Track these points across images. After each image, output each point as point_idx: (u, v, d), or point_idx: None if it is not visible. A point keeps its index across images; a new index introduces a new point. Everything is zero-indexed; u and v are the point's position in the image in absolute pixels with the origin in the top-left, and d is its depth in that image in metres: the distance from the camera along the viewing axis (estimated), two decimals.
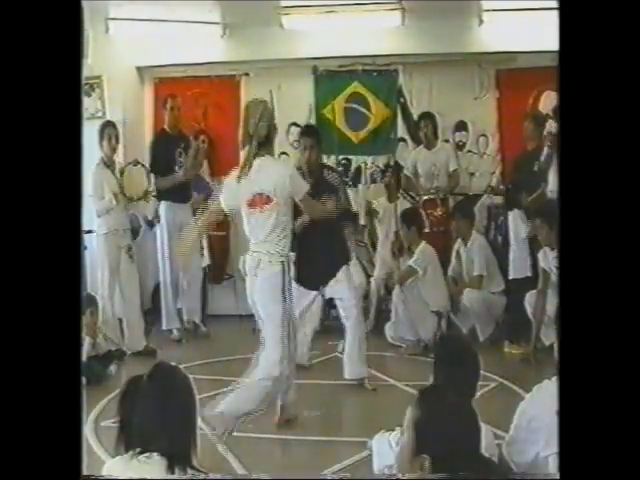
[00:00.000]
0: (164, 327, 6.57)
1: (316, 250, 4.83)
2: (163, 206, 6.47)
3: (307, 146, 5.04)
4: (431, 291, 6.15)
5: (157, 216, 6.54)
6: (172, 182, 6.29)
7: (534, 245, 5.78)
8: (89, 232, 5.77)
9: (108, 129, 5.87)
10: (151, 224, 6.69)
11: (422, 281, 6.13)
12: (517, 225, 6.09)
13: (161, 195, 6.38)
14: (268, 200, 3.91)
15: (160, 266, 6.59)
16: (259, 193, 3.92)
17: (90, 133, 6.34)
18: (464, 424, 2.00)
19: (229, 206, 4.09)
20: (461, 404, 2.09)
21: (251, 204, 3.95)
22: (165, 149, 6.43)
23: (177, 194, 6.39)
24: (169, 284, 6.55)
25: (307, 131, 5.37)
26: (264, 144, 3.97)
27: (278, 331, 3.90)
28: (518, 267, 6.06)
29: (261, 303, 3.98)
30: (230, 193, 4.04)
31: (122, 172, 5.90)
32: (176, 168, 6.36)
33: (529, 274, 5.96)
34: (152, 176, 6.13)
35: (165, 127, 6.57)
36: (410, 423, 2.00)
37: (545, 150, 5.86)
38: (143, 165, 6.11)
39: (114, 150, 5.92)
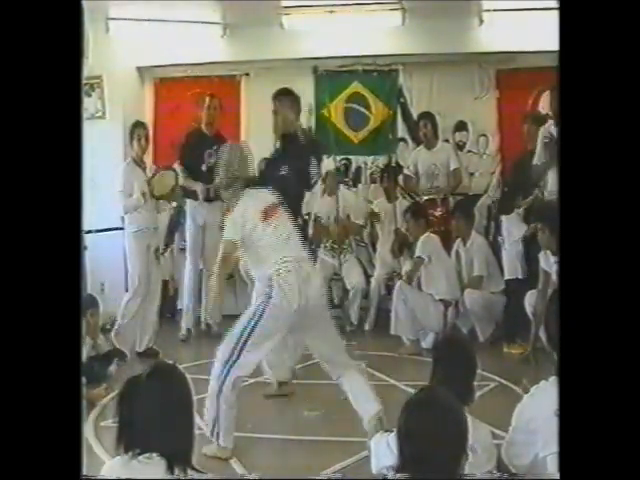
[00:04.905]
0: (183, 325, 6.49)
1: None
2: (189, 205, 6.42)
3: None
4: (437, 279, 6.12)
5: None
6: (195, 188, 6.23)
7: (533, 246, 5.77)
8: (89, 232, 5.77)
9: (138, 129, 5.91)
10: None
11: (427, 270, 6.10)
12: (510, 226, 6.11)
13: (187, 194, 6.34)
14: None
15: (186, 265, 6.53)
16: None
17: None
18: (451, 430, 2.01)
19: None
20: (451, 409, 2.09)
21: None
22: (196, 148, 6.34)
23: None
24: (193, 284, 6.48)
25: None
26: None
27: None
28: (511, 268, 6.07)
29: None
30: None
31: (154, 174, 5.91)
32: (203, 167, 6.24)
33: (520, 276, 5.98)
34: (180, 175, 6.13)
35: (202, 126, 6.48)
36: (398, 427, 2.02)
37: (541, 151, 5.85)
38: (174, 170, 6.12)
39: (144, 150, 5.93)
